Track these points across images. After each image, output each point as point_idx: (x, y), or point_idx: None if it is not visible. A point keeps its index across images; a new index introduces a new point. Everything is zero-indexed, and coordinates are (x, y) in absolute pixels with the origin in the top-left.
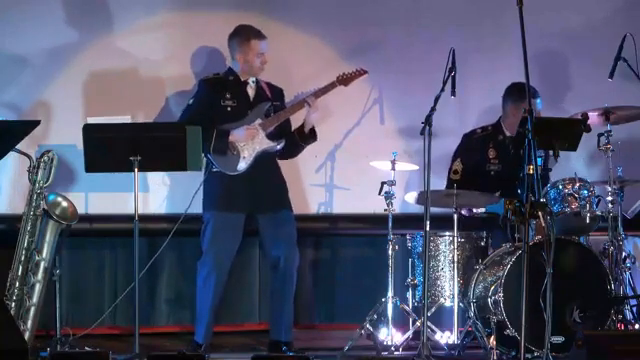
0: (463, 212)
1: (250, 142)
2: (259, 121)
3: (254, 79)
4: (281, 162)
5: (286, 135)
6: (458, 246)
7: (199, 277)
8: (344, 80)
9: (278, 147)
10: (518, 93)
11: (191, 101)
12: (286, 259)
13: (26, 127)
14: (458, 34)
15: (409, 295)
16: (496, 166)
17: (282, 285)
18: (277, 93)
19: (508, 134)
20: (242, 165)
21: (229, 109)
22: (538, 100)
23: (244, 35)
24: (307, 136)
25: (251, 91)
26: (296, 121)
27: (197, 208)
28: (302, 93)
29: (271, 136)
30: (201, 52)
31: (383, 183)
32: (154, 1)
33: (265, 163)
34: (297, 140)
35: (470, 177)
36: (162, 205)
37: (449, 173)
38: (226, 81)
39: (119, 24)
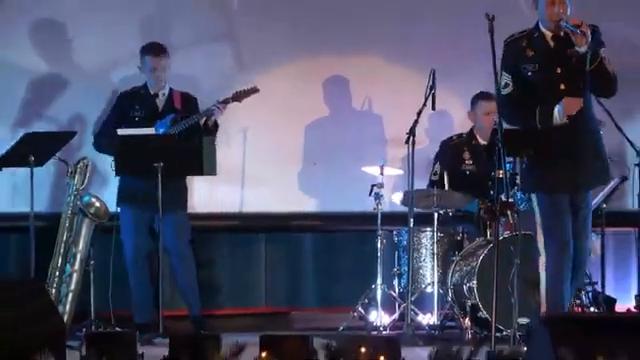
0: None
1: None
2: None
3: (164, 92)
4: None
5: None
6: (438, 240)
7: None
8: (238, 97)
9: None
10: (476, 98)
11: (108, 113)
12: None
13: (65, 137)
14: (443, 50)
15: (395, 282)
16: (470, 167)
17: None
18: (189, 102)
19: (481, 140)
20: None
21: (137, 119)
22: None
23: (142, 51)
24: (211, 130)
25: (160, 103)
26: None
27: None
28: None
29: None
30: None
31: (373, 186)
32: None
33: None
34: (203, 134)
35: (448, 178)
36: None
37: (431, 175)
38: (138, 94)
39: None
